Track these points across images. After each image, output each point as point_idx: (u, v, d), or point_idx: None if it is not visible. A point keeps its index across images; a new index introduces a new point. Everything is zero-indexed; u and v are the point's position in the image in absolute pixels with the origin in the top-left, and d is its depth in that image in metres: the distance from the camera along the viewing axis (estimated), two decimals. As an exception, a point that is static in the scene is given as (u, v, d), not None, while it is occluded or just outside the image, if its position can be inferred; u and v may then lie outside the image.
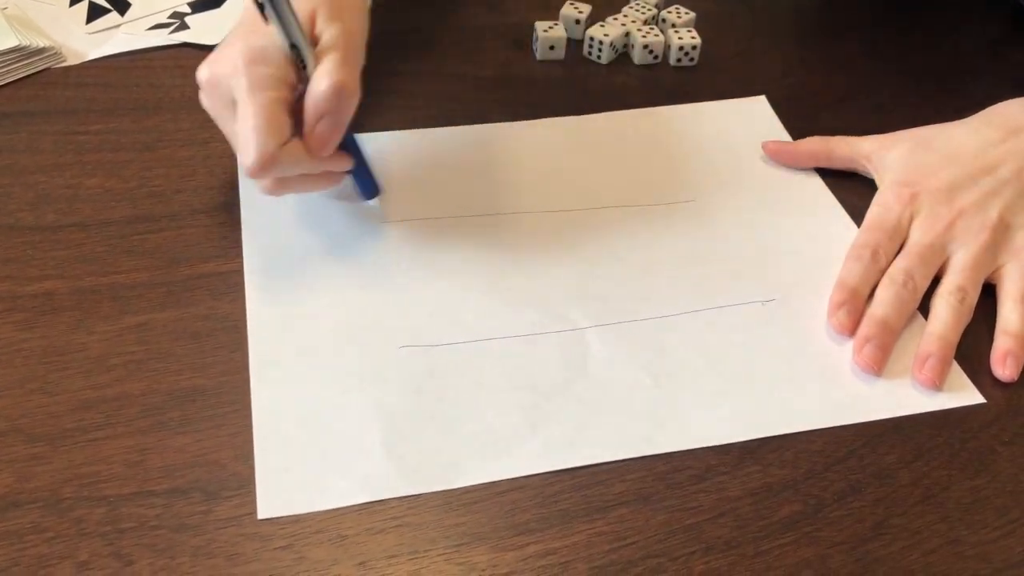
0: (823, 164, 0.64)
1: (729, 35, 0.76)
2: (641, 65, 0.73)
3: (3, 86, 0.67)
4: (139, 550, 0.42)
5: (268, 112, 0.48)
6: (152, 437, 0.46)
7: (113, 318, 0.52)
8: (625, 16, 0.74)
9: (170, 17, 0.74)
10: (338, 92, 0.50)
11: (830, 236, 0.59)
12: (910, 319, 0.54)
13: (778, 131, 0.67)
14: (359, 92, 0.52)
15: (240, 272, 0.55)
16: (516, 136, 0.65)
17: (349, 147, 0.55)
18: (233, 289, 0.54)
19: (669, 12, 0.75)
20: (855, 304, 0.54)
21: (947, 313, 0.53)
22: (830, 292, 0.55)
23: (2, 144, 0.62)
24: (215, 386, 0.49)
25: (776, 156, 0.65)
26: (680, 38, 0.72)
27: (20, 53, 0.67)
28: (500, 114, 0.67)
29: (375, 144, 0.64)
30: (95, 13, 0.74)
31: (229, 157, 0.62)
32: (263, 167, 0.49)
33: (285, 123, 0.49)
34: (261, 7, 0.48)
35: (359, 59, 0.53)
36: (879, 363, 0.51)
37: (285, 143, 0.49)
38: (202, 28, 0.73)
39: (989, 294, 0.55)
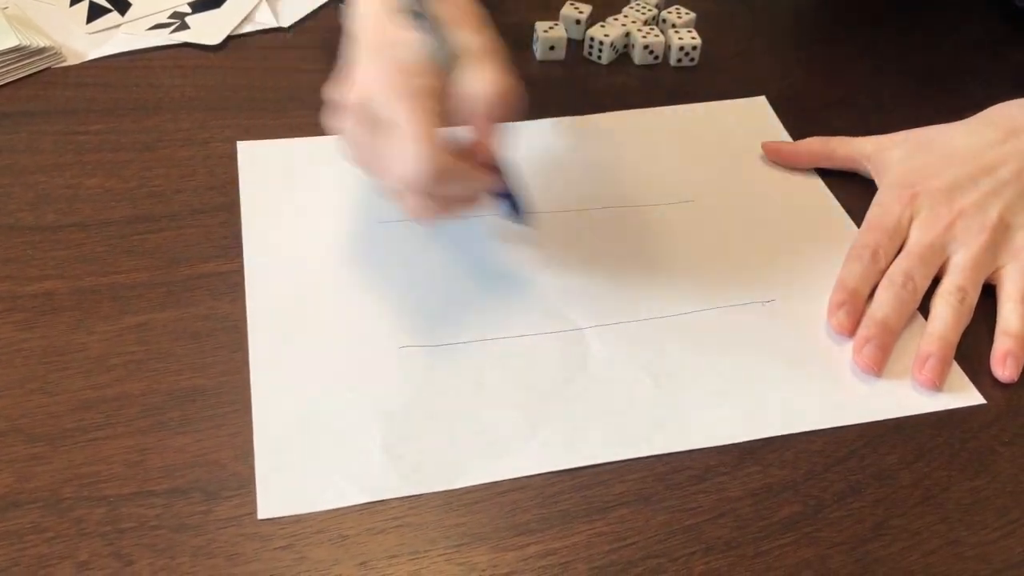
0: (823, 164, 0.64)
1: (729, 35, 0.76)
2: (641, 65, 0.73)
3: (3, 86, 0.67)
4: (139, 550, 0.42)
5: (431, 122, 0.46)
6: (152, 437, 0.46)
7: (113, 318, 0.52)
8: (625, 16, 0.74)
9: (170, 17, 0.74)
10: (504, 95, 0.48)
11: (830, 236, 0.59)
12: (910, 319, 0.54)
13: (778, 131, 0.67)
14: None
15: (240, 272, 0.55)
16: (516, 136, 0.65)
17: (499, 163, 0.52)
18: (233, 289, 0.54)
19: (669, 12, 0.75)
20: (855, 304, 0.54)
21: (947, 313, 0.53)
22: (830, 292, 0.55)
23: (2, 144, 0.62)
24: (215, 386, 0.49)
25: (776, 156, 0.65)
26: (680, 38, 0.72)
27: (20, 53, 0.67)
28: (500, 114, 0.67)
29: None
30: (95, 13, 0.73)
31: (229, 157, 0.62)
32: (432, 178, 0.46)
33: (445, 134, 0.47)
34: (415, 15, 0.47)
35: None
36: (879, 363, 0.51)
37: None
38: (202, 28, 0.73)
39: (989, 295, 0.55)
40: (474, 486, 0.46)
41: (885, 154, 0.61)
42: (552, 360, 0.51)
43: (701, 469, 0.47)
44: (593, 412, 0.49)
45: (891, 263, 0.56)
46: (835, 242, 0.58)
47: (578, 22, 0.73)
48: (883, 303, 0.54)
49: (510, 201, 0.53)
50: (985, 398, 0.51)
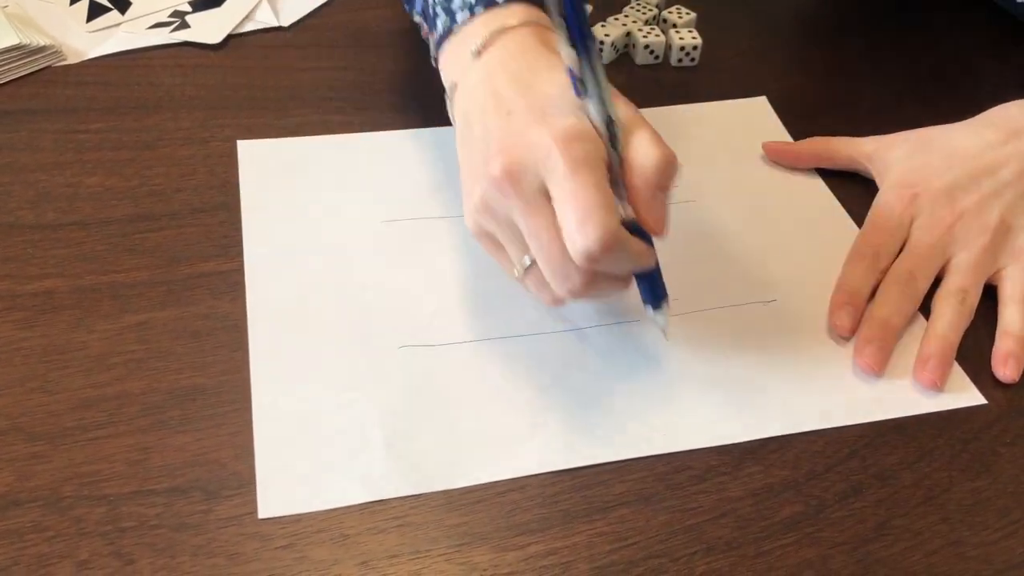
0: (824, 165, 0.64)
1: (730, 36, 0.76)
2: (642, 65, 0.73)
3: (3, 84, 0.67)
4: (139, 549, 0.42)
5: (603, 189, 0.43)
6: (152, 436, 0.46)
7: (113, 317, 0.52)
8: (626, 16, 0.74)
9: (171, 16, 0.74)
10: (672, 165, 0.46)
11: (831, 237, 0.59)
12: (911, 320, 0.54)
13: (779, 131, 0.67)
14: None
15: (240, 271, 0.54)
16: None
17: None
18: (233, 288, 0.54)
19: (670, 12, 0.75)
20: (856, 305, 0.54)
21: (948, 314, 0.53)
22: (831, 293, 0.55)
23: (2, 142, 0.62)
24: (215, 385, 0.49)
25: (777, 157, 0.65)
26: (681, 38, 0.72)
27: (20, 51, 0.67)
28: (501, 114, 0.67)
29: (375, 144, 0.64)
30: (95, 11, 0.73)
31: (229, 156, 0.62)
32: (607, 248, 0.42)
33: (615, 203, 0.44)
34: (582, 81, 0.44)
35: None
36: (880, 364, 0.51)
37: None
38: (203, 27, 0.73)
39: (990, 296, 0.55)
40: (475, 486, 0.46)
41: (886, 154, 0.61)
42: (553, 360, 0.51)
43: (702, 469, 0.47)
44: (594, 412, 0.49)
45: (892, 263, 0.56)
46: (836, 242, 0.58)
47: (579, 22, 0.73)
48: (884, 304, 0.54)
49: (650, 283, 0.49)
50: (986, 398, 0.51)
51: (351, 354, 0.51)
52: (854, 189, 0.63)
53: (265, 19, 0.74)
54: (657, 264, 0.48)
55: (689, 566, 0.43)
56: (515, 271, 0.48)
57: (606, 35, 0.71)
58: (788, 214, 0.61)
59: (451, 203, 0.60)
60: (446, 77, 0.53)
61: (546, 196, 0.44)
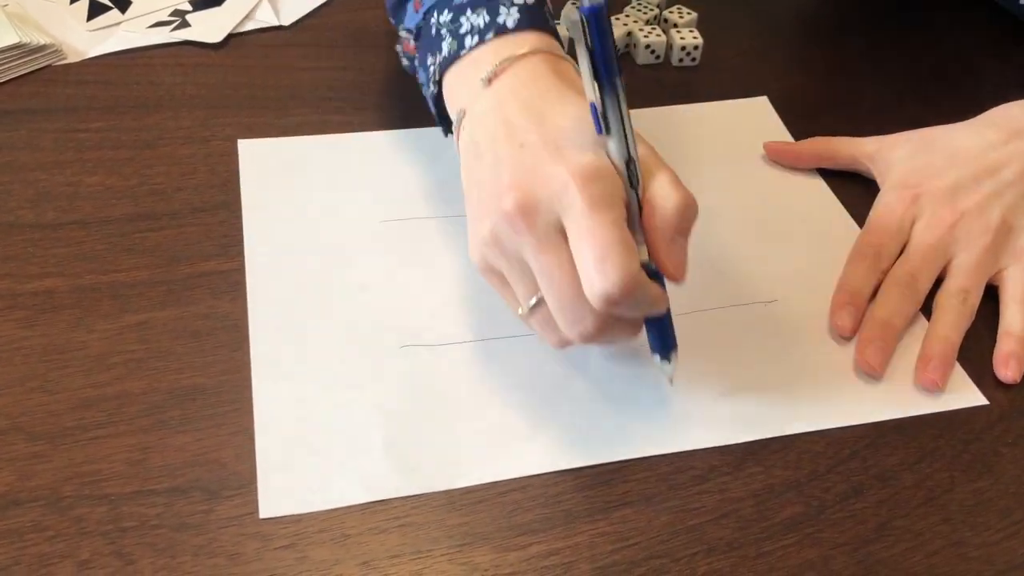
0: (825, 165, 0.64)
1: (731, 35, 0.76)
2: (643, 65, 0.73)
3: (3, 83, 0.66)
4: (140, 549, 0.42)
5: (623, 229, 0.42)
6: (153, 436, 0.46)
7: (113, 316, 0.52)
8: (627, 16, 0.74)
9: (171, 15, 0.74)
10: (692, 209, 0.45)
11: (832, 237, 0.59)
12: (913, 321, 0.54)
13: (780, 131, 0.67)
14: None
15: (241, 271, 0.54)
16: None
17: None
18: (234, 288, 0.53)
19: (671, 12, 0.75)
20: (857, 305, 0.54)
21: (950, 315, 0.53)
22: (832, 293, 0.55)
23: (2, 141, 0.62)
24: (216, 385, 0.49)
25: (778, 157, 0.65)
26: (682, 38, 0.72)
27: (20, 50, 0.67)
28: (502, 113, 0.67)
29: (375, 144, 0.64)
30: (96, 10, 0.73)
31: (230, 155, 0.62)
32: (626, 291, 0.41)
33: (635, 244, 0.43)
34: (603, 116, 0.43)
35: None
36: (881, 364, 0.51)
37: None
38: (203, 26, 0.73)
39: (991, 296, 0.55)
40: (476, 485, 0.46)
41: (887, 154, 0.61)
42: (554, 359, 0.51)
43: (704, 469, 0.47)
44: (595, 412, 0.49)
45: (893, 264, 0.56)
46: (837, 242, 0.58)
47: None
48: (886, 304, 0.54)
49: (660, 330, 0.48)
50: (988, 399, 0.51)
51: (352, 354, 0.51)
52: (855, 189, 0.63)
53: (265, 18, 0.74)
54: (668, 310, 0.47)
55: (691, 566, 0.43)
56: (520, 309, 0.47)
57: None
58: (789, 214, 0.61)
59: (452, 203, 0.60)
60: (452, 103, 0.52)
61: (561, 234, 0.43)
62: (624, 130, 0.43)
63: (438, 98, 0.54)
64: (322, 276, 0.54)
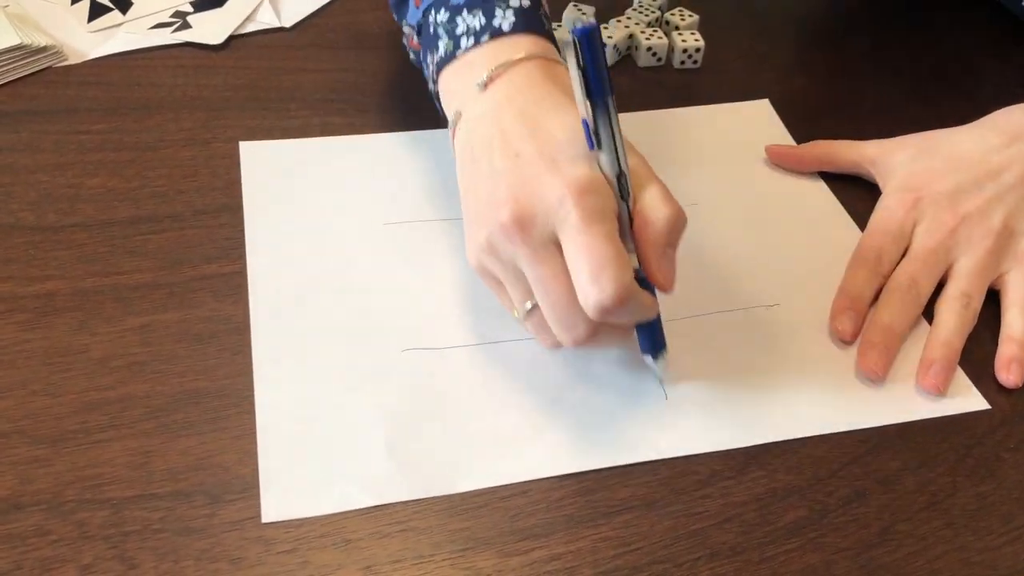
0: (827, 168, 0.64)
1: (733, 38, 0.76)
2: (645, 67, 0.73)
3: (4, 85, 0.66)
4: (143, 553, 0.42)
5: (616, 243, 0.43)
6: (155, 439, 0.46)
7: (116, 319, 0.51)
8: (629, 18, 0.74)
9: (172, 16, 0.74)
10: (681, 221, 0.46)
11: (833, 240, 0.59)
12: (914, 325, 0.54)
13: (781, 134, 0.67)
14: None
15: (243, 274, 0.54)
16: None
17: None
18: (236, 291, 0.53)
19: (673, 14, 0.75)
20: (858, 310, 0.54)
21: (951, 319, 0.53)
22: (833, 297, 0.55)
23: (3, 143, 0.62)
24: (218, 388, 0.49)
25: (780, 160, 0.65)
26: (684, 40, 0.72)
27: (21, 52, 0.67)
28: (503, 116, 0.67)
29: (377, 147, 0.64)
30: (97, 11, 0.73)
31: (231, 157, 0.62)
32: (620, 302, 0.42)
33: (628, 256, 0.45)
34: (595, 132, 0.44)
35: None
36: (883, 369, 0.51)
37: None
38: (204, 27, 0.72)
39: (993, 300, 0.55)
40: (478, 490, 0.45)
41: (889, 158, 0.61)
42: (556, 364, 0.51)
43: (706, 474, 0.47)
44: (597, 416, 0.49)
45: (895, 268, 0.56)
46: (839, 246, 0.58)
47: (581, 24, 0.73)
48: (887, 308, 0.54)
49: (651, 333, 0.49)
50: (989, 403, 0.51)
51: (354, 357, 0.51)
52: (857, 192, 0.63)
53: (267, 20, 0.74)
54: (658, 315, 0.48)
55: (693, 571, 0.43)
56: (515, 312, 0.48)
57: (608, 37, 0.71)
58: (791, 218, 0.61)
59: (453, 206, 0.59)
60: (448, 104, 0.52)
61: (555, 245, 0.44)
62: (615, 145, 0.44)
63: (439, 95, 0.54)
64: (324, 279, 0.54)
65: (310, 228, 0.57)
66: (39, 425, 0.46)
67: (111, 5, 0.74)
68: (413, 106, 0.67)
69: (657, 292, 0.47)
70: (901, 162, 0.61)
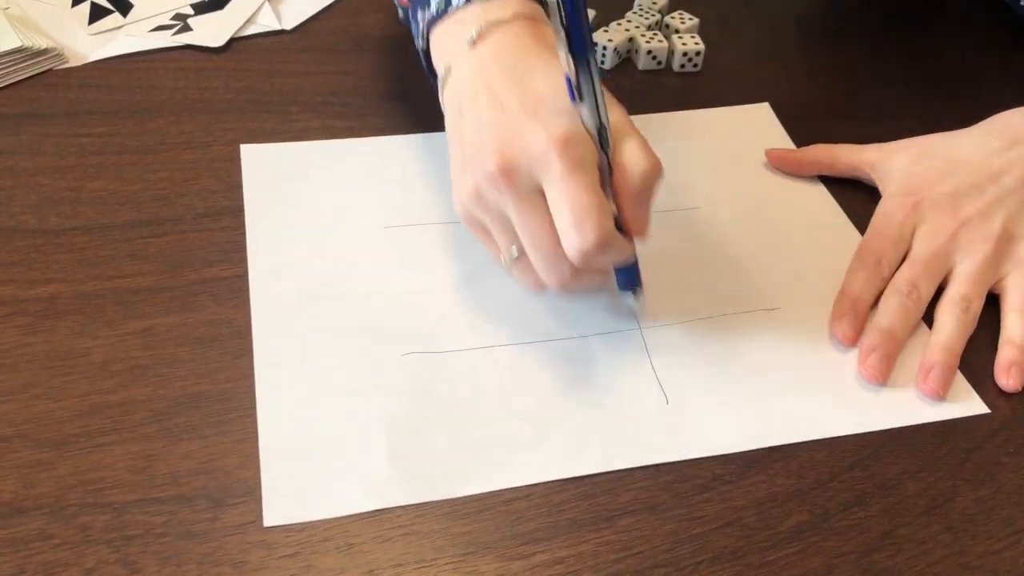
0: (827, 172, 0.64)
1: (733, 41, 0.76)
2: (645, 70, 0.73)
3: (5, 87, 0.66)
4: (145, 557, 0.42)
5: (597, 192, 0.46)
6: (157, 443, 0.46)
7: (117, 323, 0.51)
8: (629, 21, 0.74)
9: (173, 19, 0.74)
10: (657, 172, 0.48)
11: (834, 244, 0.59)
12: (914, 329, 0.54)
13: (782, 138, 0.67)
14: None
15: (244, 277, 0.54)
16: None
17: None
18: (237, 294, 0.53)
19: (673, 18, 0.75)
20: (858, 313, 0.54)
21: (951, 323, 0.53)
22: (834, 301, 0.55)
23: (4, 146, 0.62)
24: (220, 392, 0.49)
25: (780, 164, 0.65)
26: (684, 44, 0.72)
27: (22, 54, 0.67)
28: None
29: (379, 150, 0.64)
30: (97, 14, 0.73)
31: (232, 160, 0.62)
32: (601, 248, 0.45)
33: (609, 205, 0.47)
34: (577, 86, 0.46)
35: None
36: (884, 373, 0.52)
37: None
38: (205, 30, 0.72)
39: (993, 304, 0.56)
40: (480, 494, 0.46)
41: (889, 162, 0.62)
42: (557, 368, 0.51)
43: (707, 478, 0.47)
44: (598, 420, 0.49)
45: (895, 271, 0.56)
46: (839, 250, 0.58)
47: (581, 27, 0.73)
48: (888, 312, 0.54)
49: (628, 273, 0.52)
50: (989, 408, 0.51)
51: (356, 361, 0.51)
52: (857, 196, 0.63)
53: (267, 22, 0.74)
54: (635, 256, 0.51)
55: None
56: (502, 258, 0.51)
57: (609, 40, 0.71)
58: (791, 221, 0.61)
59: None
60: (438, 60, 0.54)
61: (540, 194, 0.47)
62: (596, 99, 0.46)
63: (427, 53, 0.56)
64: (325, 282, 0.54)
65: (311, 231, 0.57)
66: (41, 429, 0.46)
67: (112, 7, 0.74)
68: (414, 109, 0.67)
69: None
70: (901, 166, 0.61)
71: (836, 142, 0.65)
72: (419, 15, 0.56)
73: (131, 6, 0.74)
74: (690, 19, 0.75)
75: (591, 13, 0.74)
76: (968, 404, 0.51)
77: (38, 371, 0.49)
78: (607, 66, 0.72)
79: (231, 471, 0.45)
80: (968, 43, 0.79)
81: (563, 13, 0.44)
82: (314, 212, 0.59)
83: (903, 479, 0.48)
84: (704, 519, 0.45)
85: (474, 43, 0.50)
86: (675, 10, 0.76)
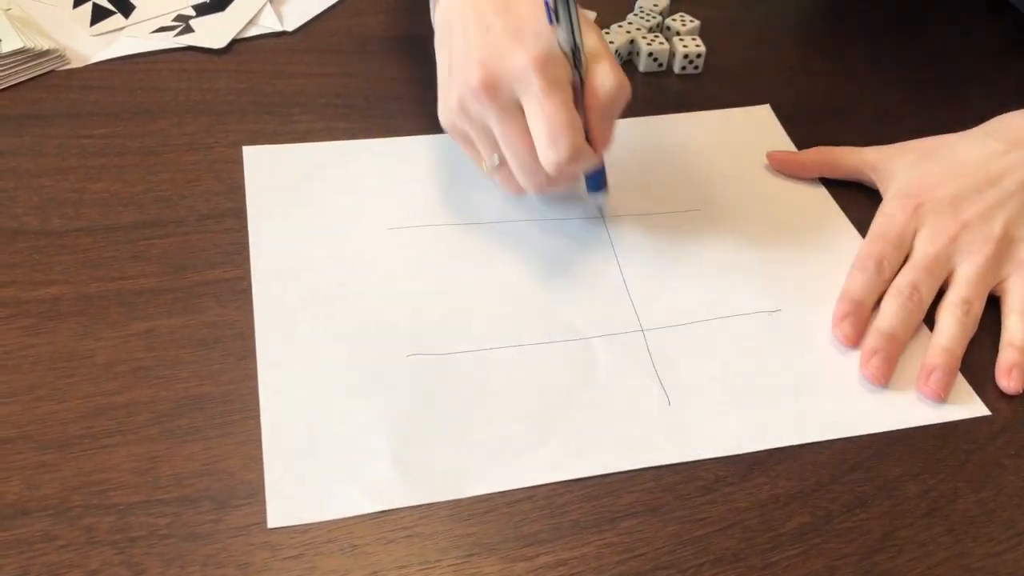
0: (828, 174, 0.64)
1: (734, 43, 0.77)
2: (646, 73, 0.73)
3: (7, 88, 0.66)
4: (149, 559, 0.42)
5: (571, 109, 0.51)
6: (161, 445, 0.46)
7: (120, 324, 0.52)
8: (630, 24, 0.74)
9: (174, 20, 0.74)
10: (624, 92, 0.53)
11: (835, 246, 0.60)
12: (916, 331, 0.54)
13: (782, 140, 0.67)
14: None
15: (247, 278, 0.54)
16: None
17: None
18: (240, 296, 0.54)
19: (674, 20, 0.75)
20: (859, 315, 0.54)
21: (952, 325, 0.53)
22: (835, 303, 0.55)
23: (6, 147, 0.62)
24: (223, 393, 0.49)
25: (781, 166, 0.65)
26: (685, 46, 0.72)
27: (24, 55, 0.67)
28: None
29: (380, 151, 0.64)
30: (99, 15, 0.73)
31: (235, 162, 0.62)
32: (573, 161, 0.51)
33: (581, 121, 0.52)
34: (555, 10, 0.50)
35: None
36: (886, 375, 0.52)
37: None
38: (207, 31, 0.73)
39: (993, 306, 0.56)
40: (483, 496, 0.46)
41: (889, 164, 0.62)
42: (560, 369, 0.51)
43: (709, 480, 0.47)
44: (601, 422, 0.49)
45: (896, 274, 0.56)
46: (840, 252, 0.59)
47: (583, 29, 0.73)
48: (889, 315, 0.54)
49: (596, 176, 0.58)
50: (990, 410, 0.51)
51: (359, 362, 0.51)
52: (858, 198, 0.63)
53: (269, 24, 0.74)
54: (603, 163, 0.57)
55: (697, 577, 0.43)
56: (484, 165, 0.56)
57: (610, 42, 0.71)
58: (792, 223, 0.61)
59: (459, 209, 0.60)
60: None
61: (519, 108, 0.52)
62: (571, 22, 0.51)
63: None
64: (328, 284, 0.55)
65: (314, 233, 0.57)
66: (45, 430, 0.47)
67: (113, 9, 0.74)
68: (416, 111, 0.67)
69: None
70: (902, 168, 0.61)
71: (837, 144, 0.65)
72: None
73: (133, 7, 0.74)
74: (691, 21, 0.75)
75: (591, 15, 0.74)
76: (969, 406, 0.51)
77: (42, 372, 0.49)
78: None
79: (235, 473, 0.46)
80: (969, 44, 0.79)
81: None
82: (317, 214, 0.59)
83: (904, 481, 0.48)
84: (706, 521, 0.46)
85: None
86: (676, 12, 0.76)
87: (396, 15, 0.77)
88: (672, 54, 0.73)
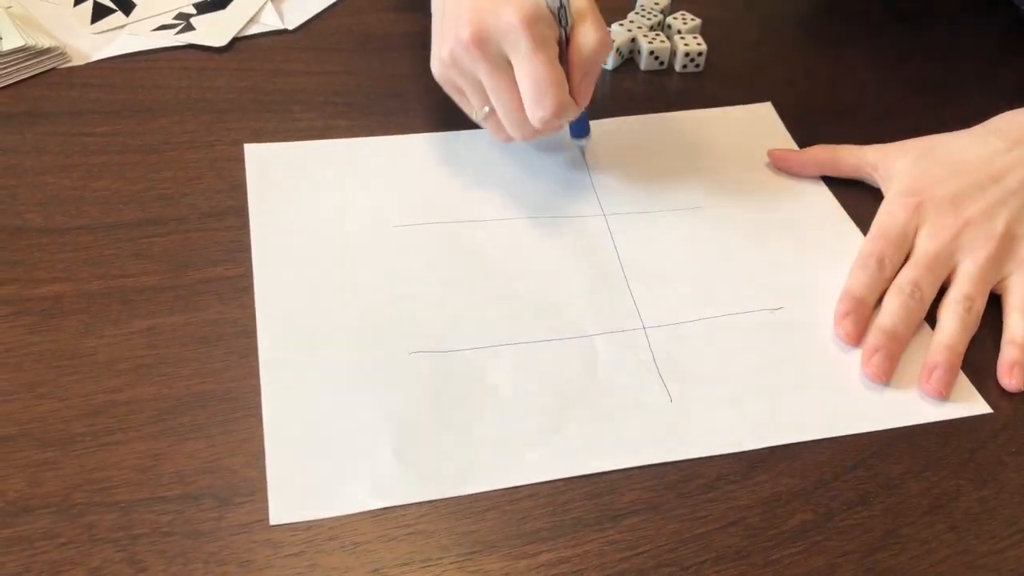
0: (829, 172, 0.64)
1: (735, 42, 0.77)
2: (647, 71, 0.73)
3: (8, 86, 0.66)
4: (151, 556, 0.42)
5: (556, 66, 0.54)
6: (163, 442, 0.46)
7: (122, 322, 0.52)
8: (631, 22, 0.74)
9: (175, 18, 0.74)
10: (605, 48, 0.56)
11: (836, 245, 0.60)
12: (917, 329, 0.54)
13: (784, 137, 0.67)
14: None
15: (249, 276, 0.54)
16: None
17: None
18: (242, 294, 0.54)
19: (675, 18, 0.75)
20: (861, 313, 0.54)
21: (954, 323, 0.53)
22: (837, 301, 0.55)
23: (8, 145, 0.62)
24: (225, 391, 0.49)
25: (782, 164, 0.65)
26: (686, 44, 0.72)
27: (25, 53, 0.67)
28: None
29: (382, 149, 0.64)
30: (100, 13, 0.73)
31: (236, 160, 0.62)
32: (558, 115, 0.54)
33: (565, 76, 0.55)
34: None
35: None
36: (887, 373, 0.52)
37: None
38: (208, 29, 0.73)
39: (995, 304, 0.56)
40: (485, 493, 0.46)
41: (891, 162, 0.62)
42: (562, 367, 0.51)
43: (711, 477, 0.47)
44: (603, 419, 0.49)
45: (898, 272, 0.56)
46: (842, 250, 0.59)
47: (584, 27, 0.73)
48: (891, 312, 0.54)
49: (579, 126, 0.63)
50: (992, 407, 0.51)
51: (361, 360, 0.51)
52: (859, 197, 0.63)
53: (270, 22, 0.74)
54: (585, 113, 0.61)
55: (699, 575, 0.43)
56: (475, 114, 0.59)
57: (611, 41, 0.71)
58: (794, 222, 0.61)
59: (460, 207, 0.60)
60: None
61: (507, 62, 0.54)
62: None
63: None
64: (330, 281, 0.55)
65: (316, 230, 0.57)
66: (47, 428, 0.47)
67: (114, 7, 0.74)
68: (417, 108, 0.67)
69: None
70: (903, 166, 0.61)
71: (838, 142, 0.65)
72: None
73: (134, 5, 0.74)
74: (692, 19, 0.75)
75: None
76: (971, 404, 0.51)
77: (43, 370, 0.49)
78: (609, 67, 0.72)
79: (237, 470, 0.46)
80: (970, 43, 0.79)
81: None
82: (318, 211, 0.59)
83: (906, 479, 0.48)
84: (708, 518, 0.46)
85: None
86: (677, 11, 0.76)
87: (396, 13, 0.77)
88: (673, 52, 0.73)
